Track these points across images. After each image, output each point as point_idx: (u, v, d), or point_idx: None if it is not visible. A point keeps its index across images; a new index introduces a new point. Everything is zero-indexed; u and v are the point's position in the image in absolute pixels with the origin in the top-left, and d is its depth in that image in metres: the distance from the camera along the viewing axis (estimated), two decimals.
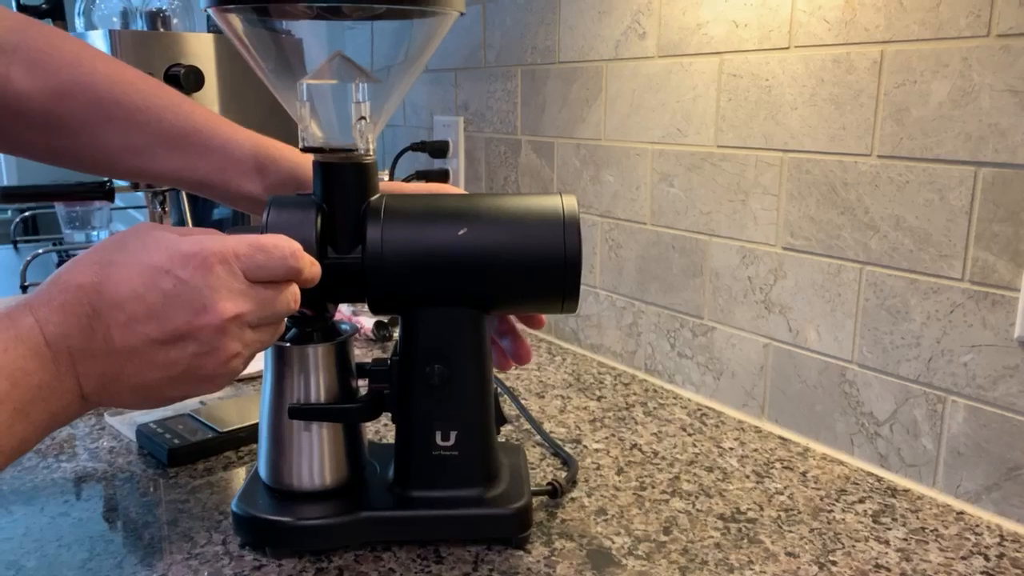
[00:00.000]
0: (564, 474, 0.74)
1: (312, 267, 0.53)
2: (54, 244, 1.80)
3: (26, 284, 1.40)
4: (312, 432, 0.62)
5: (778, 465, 0.77)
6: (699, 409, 0.90)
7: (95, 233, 1.77)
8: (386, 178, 0.63)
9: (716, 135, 0.87)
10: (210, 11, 0.57)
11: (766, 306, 0.85)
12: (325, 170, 0.60)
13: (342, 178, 0.60)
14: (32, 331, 0.44)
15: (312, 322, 0.62)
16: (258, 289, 0.50)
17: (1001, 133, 0.64)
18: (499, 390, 0.66)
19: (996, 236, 0.65)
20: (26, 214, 2.34)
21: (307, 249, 0.54)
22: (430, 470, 0.62)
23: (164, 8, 1.36)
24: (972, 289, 0.67)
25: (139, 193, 1.48)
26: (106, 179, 1.32)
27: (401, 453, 0.63)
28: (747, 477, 0.74)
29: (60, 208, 1.75)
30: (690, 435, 0.83)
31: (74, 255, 1.76)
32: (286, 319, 0.56)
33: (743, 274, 0.87)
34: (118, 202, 1.55)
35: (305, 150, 0.61)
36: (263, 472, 0.64)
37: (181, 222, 1.40)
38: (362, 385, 0.64)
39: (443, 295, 0.61)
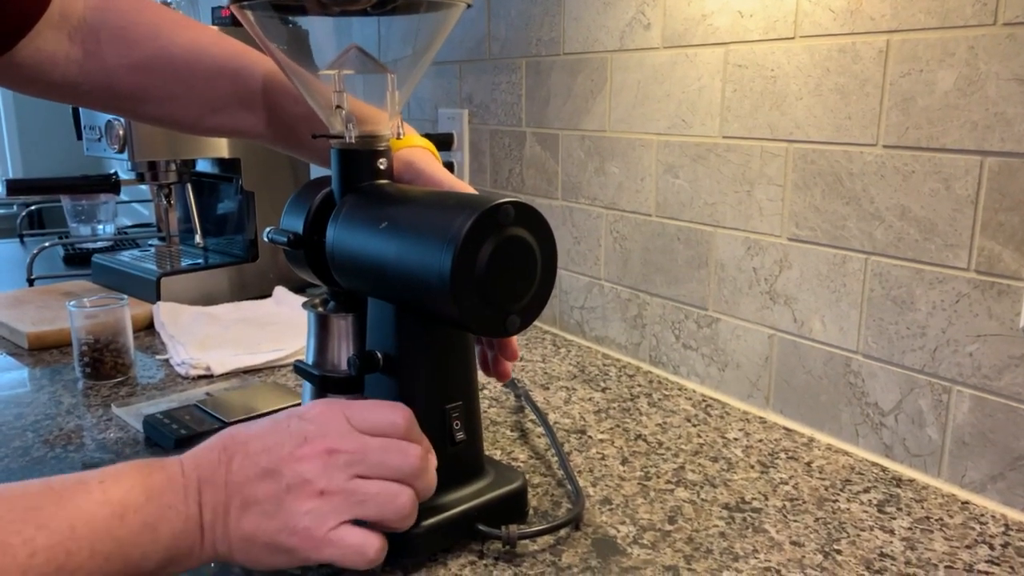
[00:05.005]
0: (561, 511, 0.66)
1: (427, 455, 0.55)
2: (60, 238, 1.80)
3: (32, 277, 1.41)
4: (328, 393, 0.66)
5: (783, 455, 0.77)
6: (704, 400, 0.90)
7: (101, 227, 1.78)
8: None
9: (721, 126, 0.87)
10: (231, 7, 0.59)
11: (771, 297, 0.85)
12: (332, 156, 0.63)
13: (341, 164, 0.63)
14: (173, 465, 0.50)
15: (343, 294, 0.67)
16: (365, 436, 0.52)
17: (1007, 122, 0.64)
18: (460, 415, 0.61)
19: (1002, 225, 0.65)
20: (32, 208, 2.35)
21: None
22: None
23: (169, 2, 1.36)
24: (978, 279, 0.67)
25: (144, 187, 1.49)
26: (112, 172, 1.33)
27: None
28: (752, 467, 0.74)
29: (66, 202, 1.76)
30: (695, 426, 0.83)
31: (80, 248, 1.77)
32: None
33: (748, 265, 0.87)
34: (124, 196, 1.56)
35: (315, 136, 0.64)
36: None
37: (186, 215, 1.40)
38: None
39: (373, 288, 0.61)
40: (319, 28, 0.63)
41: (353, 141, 0.62)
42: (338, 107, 0.61)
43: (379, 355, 0.60)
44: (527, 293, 0.55)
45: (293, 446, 0.51)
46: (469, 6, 0.60)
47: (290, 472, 0.50)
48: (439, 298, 0.53)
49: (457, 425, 0.61)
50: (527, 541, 0.61)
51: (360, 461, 0.51)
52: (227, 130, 0.76)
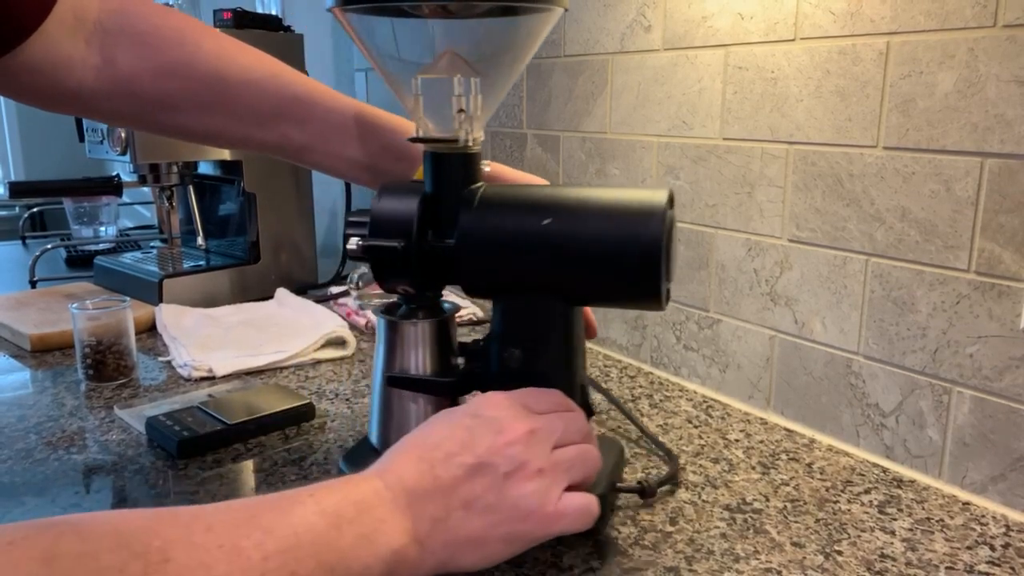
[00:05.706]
0: (659, 473, 0.73)
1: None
2: (62, 240, 1.80)
3: (35, 279, 1.41)
4: (417, 401, 0.66)
5: (784, 456, 0.77)
6: (705, 401, 0.90)
7: (103, 229, 1.78)
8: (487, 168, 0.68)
9: (722, 127, 0.87)
10: (333, 11, 0.60)
11: (772, 298, 0.85)
12: (430, 159, 0.64)
13: (443, 167, 0.64)
14: (373, 479, 0.50)
15: (418, 300, 0.67)
16: (542, 415, 0.56)
17: (1007, 124, 0.64)
18: (588, 386, 0.67)
19: (1002, 227, 0.65)
20: (34, 210, 2.35)
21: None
22: None
23: (170, 3, 1.36)
24: (978, 280, 0.67)
25: (146, 188, 1.49)
26: (114, 175, 1.33)
27: None
28: (753, 468, 0.74)
29: (68, 204, 1.76)
30: (696, 427, 0.83)
31: (82, 251, 1.77)
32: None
33: (749, 266, 0.87)
34: (125, 198, 1.56)
35: (412, 140, 0.64)
36: (372, 435, 0.69)
37: (188, 217, 1.41)
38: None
39: (528, 283, 0.62)
40: (422, 32, 0.64)
41: (472, 144, 0.63)
42: (460, 111, 0.62)
43: (525, 346, 0.63)
44: (674, 268, 0.62)
45: (492, 437, 0.52)
46: (566, 10, 0.62)
47: (503, 459, 0.51)
48: (637, 279, 0.58)
49: (590, 399, 0.66)
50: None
51: (552, 433, 0.54)
52: (255, 143, 0.73)
